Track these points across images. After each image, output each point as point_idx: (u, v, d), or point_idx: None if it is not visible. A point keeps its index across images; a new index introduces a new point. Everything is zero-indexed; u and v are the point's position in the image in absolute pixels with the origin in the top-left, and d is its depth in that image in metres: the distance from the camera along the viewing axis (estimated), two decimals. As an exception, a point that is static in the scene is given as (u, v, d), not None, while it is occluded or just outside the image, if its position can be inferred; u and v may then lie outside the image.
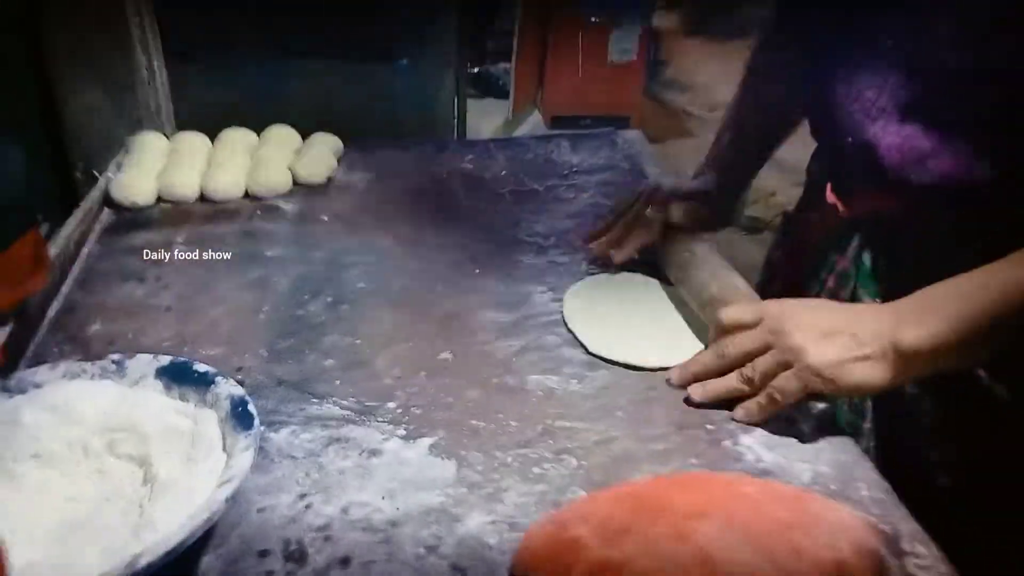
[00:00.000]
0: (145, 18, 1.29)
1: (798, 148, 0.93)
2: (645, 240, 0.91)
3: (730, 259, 0.86)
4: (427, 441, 0.67)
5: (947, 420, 0.74)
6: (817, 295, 0.83)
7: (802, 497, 0.47)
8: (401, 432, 0.68)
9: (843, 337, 0.64)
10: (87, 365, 0.66)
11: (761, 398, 0.68)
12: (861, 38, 0.75)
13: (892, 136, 0.72)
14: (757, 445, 0.67)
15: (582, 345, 0.80)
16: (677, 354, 0.77)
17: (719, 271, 0.83)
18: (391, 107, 2.18)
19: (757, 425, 0.69)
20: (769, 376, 0.68)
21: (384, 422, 0.69)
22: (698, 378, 0.73)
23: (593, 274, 0.92)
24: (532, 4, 3.59)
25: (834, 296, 0.81)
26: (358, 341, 0.80)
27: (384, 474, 0.64)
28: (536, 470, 0.64)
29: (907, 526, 0.59)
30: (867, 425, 0.78)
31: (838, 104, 0.77)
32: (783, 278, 0.91)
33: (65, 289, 0.88)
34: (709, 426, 0.70)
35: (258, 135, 1.17)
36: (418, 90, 2.20)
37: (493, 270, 0.93)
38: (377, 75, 2.16)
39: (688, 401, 0.72)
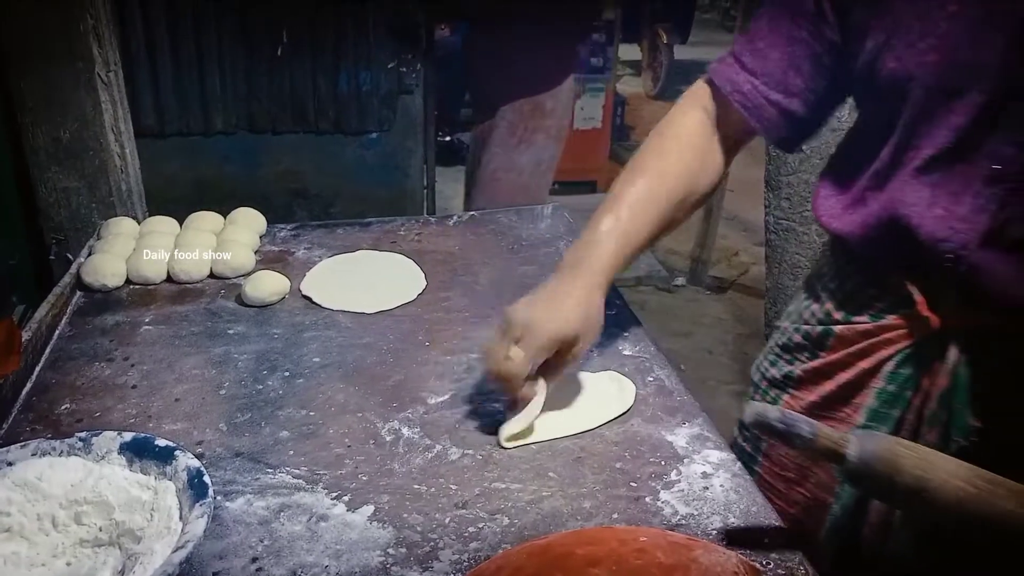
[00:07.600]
0: (119, 106, 1.38)
1: (759, 208, 0.90)
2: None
3: (696, 318, 0.89)
4: (371, 506, 0.73)
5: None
6: (901, 419, 0.78)
7: (688, 544, 0.53)
8: (347, 498, 0.74)
9: None
10: (56, 443, 0.71)
11: None
12: (957, 160, 0.70)
13: (1000, 261, 0.69)
14: (674, 500, 0.74)
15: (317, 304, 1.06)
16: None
17: None
18: (362, 179, 2.28)
19: None
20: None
21: (333, 489, 0.75)
22: None
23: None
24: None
25: (921, 421, 0.76)
26: (312, 413, 0.86)
27: (331, 537, 0.69)
28: (471, 529, 0.70)
29: (802, 568, 0.66)
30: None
31: (923, 225, 0.71)
32: (828, 395, 0.85)
33: (37, 370, 0.93)
34: (632, 483, 0.76)
35: (225, 216, 1.24)
36: (388, 162, 2.31)
37: (442, 342, 0.99)
38: (347, 148, 2.26)
39: None
